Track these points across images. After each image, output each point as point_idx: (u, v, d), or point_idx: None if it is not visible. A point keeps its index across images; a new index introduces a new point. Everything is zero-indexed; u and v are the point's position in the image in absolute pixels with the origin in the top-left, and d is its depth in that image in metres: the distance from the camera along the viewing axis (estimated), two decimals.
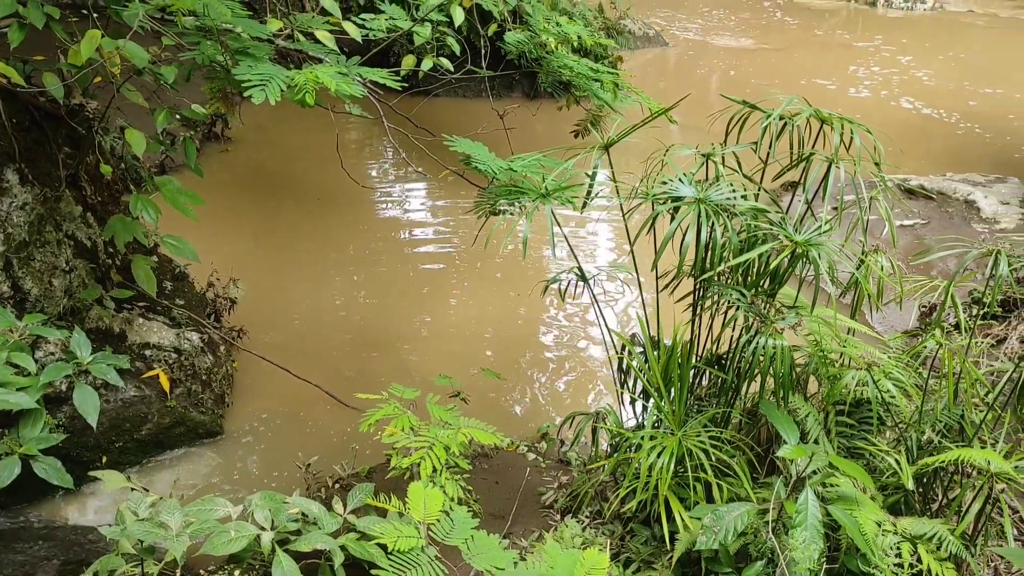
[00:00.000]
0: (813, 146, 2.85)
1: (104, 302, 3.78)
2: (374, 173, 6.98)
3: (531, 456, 3.79)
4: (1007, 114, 8.51)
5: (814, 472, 2.46)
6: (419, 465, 2.86)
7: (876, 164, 2.73)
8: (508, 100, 8.08)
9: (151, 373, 3.81)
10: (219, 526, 2.68)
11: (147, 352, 3.89)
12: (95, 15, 3.26)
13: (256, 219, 6.01)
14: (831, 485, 2.56)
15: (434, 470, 2.86)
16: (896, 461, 2.61)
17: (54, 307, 3.54)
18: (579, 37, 4.13)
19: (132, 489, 2.87)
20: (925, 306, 4.65)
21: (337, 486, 3.54)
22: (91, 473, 3.06)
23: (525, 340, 4.92)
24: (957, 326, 2.94)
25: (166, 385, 3.81)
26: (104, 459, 3.63)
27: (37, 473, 3.11)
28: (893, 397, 2.71)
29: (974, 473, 2.68)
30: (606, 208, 5.99)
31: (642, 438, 2.76)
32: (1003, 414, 2.78)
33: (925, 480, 2.85)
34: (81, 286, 3.67)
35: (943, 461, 2.50)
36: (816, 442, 2.74)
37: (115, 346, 3.73)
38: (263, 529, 2.69)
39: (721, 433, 2.82)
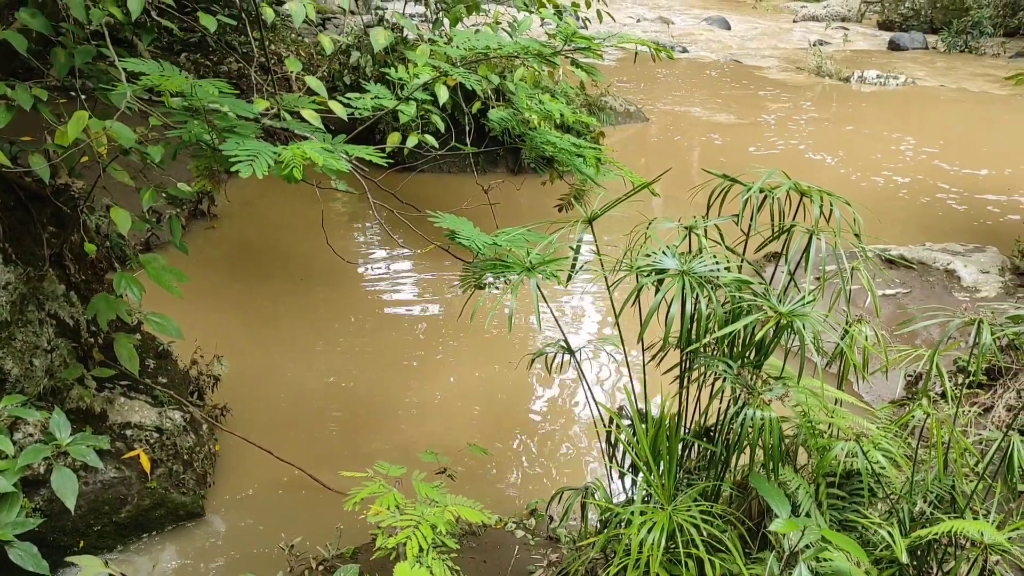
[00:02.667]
0: (794, 218, 2.88)
1: (85, 381, 3.74)
2: (361, 246, 7.01)
3: (520, 533, 3.72)
4: (979, 184, 8.69)
5: (807, 547, 2.42)
6: (405, 545, 2.80)
7: (856, 235, 2.76)
8: (492, 175, 8.18)
9: (132, 454, 3.74)
10: None
11: (128, 432, 3.82)
12: (83, 96, 3.30)
13: (242, 294, 6.00)
14: (825, 560, 2.52)
15: (421, 550, 2.80)
16: (889, 534, 2.58)
17: (34, 387, 3.49)
18: (561, 114, 4.22)
19: (110, 575, 2.79)
20: (911, 375, 4.66)
21: (321, 568, 3.45)
22: (68, 559, 2.98)
23: (513, 412, 4.88)
24: (943, 395, 2.94)
25: (147, 466, 3.74)
26: (81, 543, 3.54)
27: (12, 559, 3.02)
28: (883, 468, 2.69)
29: (968, 545, 2.64)
30: (591, 279, 6.02)
31: (632, 513, 2.71)
32: (994, 484, 2.76)
33: (919, 553, 2.81)
34: (62, 365, 3.63)
35: (936, 533, 2.47)
36: (808, 515, 2.70)
37: (96, 426, 3.67)
38: None
39: (712, 507, 2.78)
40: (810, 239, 2.72)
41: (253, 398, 4.79)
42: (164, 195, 3.71)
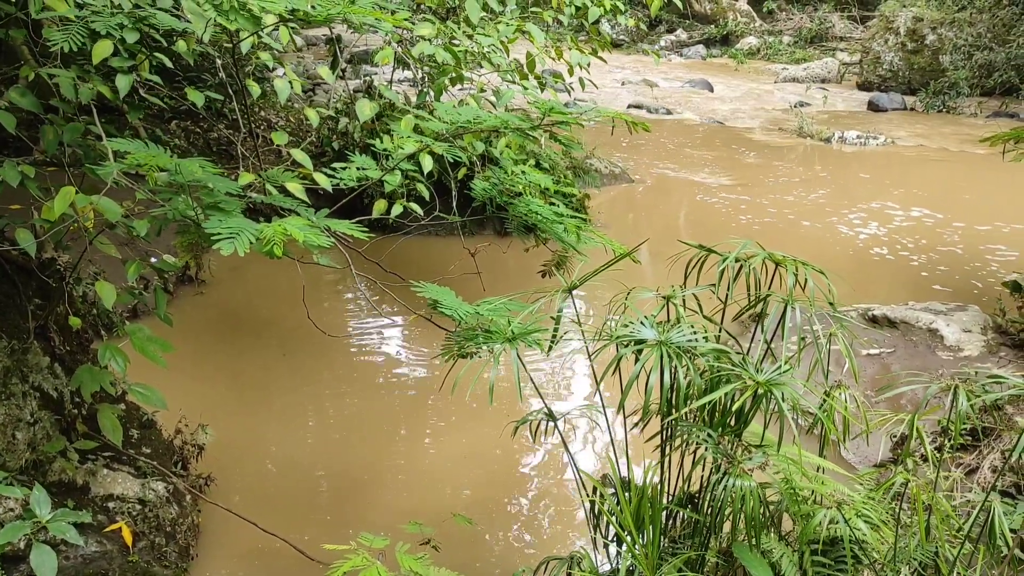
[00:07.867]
0: (771, 285, 2.93)
1: (68, 454, 3.72)
2: (348, 314, 7.03)
3: None
4: (960, 242, 8.80)
5: None
6: None
7: (831, 304, 2.81)
8: (479, 238, 8.24)
9: (114, 527, 3.70)
10: None
11: (110, 504, 3.79)
12: (70, 170, 3.35)
13: (229, 362, 5.99)
14: None
15: None
16: None
17: (16, 461, 3.47)
18: (545, 186, 4.29)
19: None
20: (895, 436, 4.67)
21: None
22: None
23: (499, 478, 4.86)
24: (926, 458, 2.96)
25: (129, 539, 3.70)
26: None
27: None
28: (865, 535, 2.69)
29: None
30: (575, 349, 6.04)
31: None
32: (977, 547, 2.76)
33: None
34: (45, 438, 3.62)
35: None
36: None
37: (77, 499, 3.64)
38: None
39: None
40: (785, 308, 2.77)
41: (238, 467, 4.76)
42: (150, 264, 3.75)
